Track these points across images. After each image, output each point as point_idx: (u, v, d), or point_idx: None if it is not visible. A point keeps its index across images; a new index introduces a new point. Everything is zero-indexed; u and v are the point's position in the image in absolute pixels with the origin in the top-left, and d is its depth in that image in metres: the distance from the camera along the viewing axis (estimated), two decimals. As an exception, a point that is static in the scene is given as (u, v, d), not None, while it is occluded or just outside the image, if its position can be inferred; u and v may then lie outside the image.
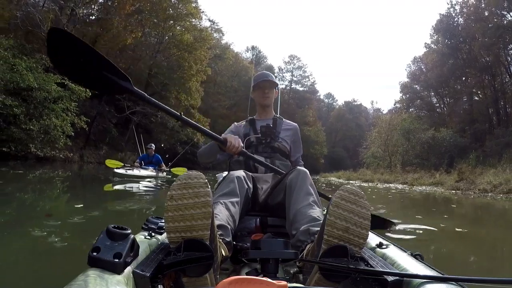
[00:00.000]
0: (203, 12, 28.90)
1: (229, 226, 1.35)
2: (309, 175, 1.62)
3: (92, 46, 1.65)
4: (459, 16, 28.59)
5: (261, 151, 2.13)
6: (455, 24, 28.63)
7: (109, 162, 10.15)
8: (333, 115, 65.86)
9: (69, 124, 13.18)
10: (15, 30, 15.94)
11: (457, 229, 4.03)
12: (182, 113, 1.87)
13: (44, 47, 16.23)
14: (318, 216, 1.40)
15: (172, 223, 1.01)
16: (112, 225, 0.89)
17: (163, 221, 1.10)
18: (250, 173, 1.86)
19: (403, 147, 25.86)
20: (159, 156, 10.28)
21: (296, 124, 2.35)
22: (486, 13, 24.81)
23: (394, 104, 35.44)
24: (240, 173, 1.67)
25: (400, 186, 16.47)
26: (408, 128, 25.54)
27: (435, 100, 32.68)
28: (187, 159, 16.67)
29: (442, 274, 0.94)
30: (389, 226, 3.26)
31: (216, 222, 1.26)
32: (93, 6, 21.96)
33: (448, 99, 30.82)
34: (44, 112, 12.26)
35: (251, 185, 1.70)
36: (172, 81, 25.57)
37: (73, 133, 13.79)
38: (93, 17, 20.81)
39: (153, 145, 10.53)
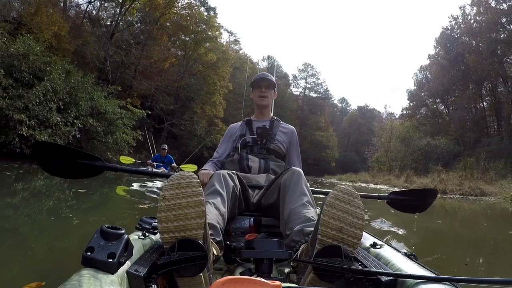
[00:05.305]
0: (222, 26, 32.17)
1: (218, 225, 1.34)
2: (303, 175, 1.60)
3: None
4: (458, 30, 30.23)
5: (256, 152, 2.08)
6: (455, 37, 30.25)
7: (123, 159, 10.80)
8: (346, 120, 67.06)
9: (131, 137, 17.13)
10: (77, 60, 18.79)
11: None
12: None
13: (101, 74, 20.32)
14: (312, 216, 1.38)
15: (166, 223, 1.00)
16: (106, 225, 0.89)
17: (157, 221, 1.05)
18: (242, 173, 1.92)
19: (402, 153, 28.01)
20: (171, 157, 10.64)
21: (293, 127, 2.29)
22: (483, 26, 26.29)
23: (402, 111, 36.65)
24: (224, 172, 1.65)
25: (364, 184, 20.44)
26: (405, 136, 27.89)
27: (442, 107, 33.81)
28: (205, 158, 19.60)
29: (436, 274, 0.95)
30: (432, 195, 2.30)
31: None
32: (133, 29, 24.45)
33: (450, 107, 32.43)
34: (114, 128, 16.15)
35: (237, 183, 1.67)
36: (199, 96, 28.84)
37: (135, 144, 17.72)
38: (135, 44, 23.56)
39: (166, 145, 10.90)
